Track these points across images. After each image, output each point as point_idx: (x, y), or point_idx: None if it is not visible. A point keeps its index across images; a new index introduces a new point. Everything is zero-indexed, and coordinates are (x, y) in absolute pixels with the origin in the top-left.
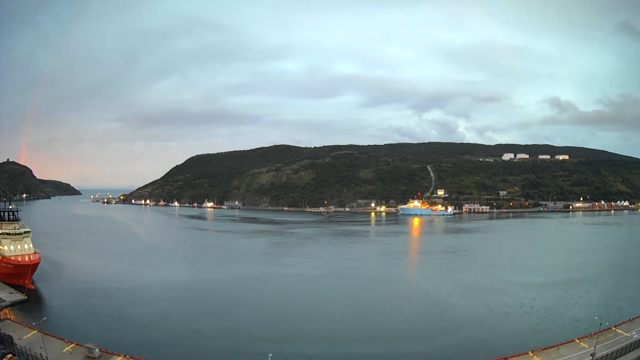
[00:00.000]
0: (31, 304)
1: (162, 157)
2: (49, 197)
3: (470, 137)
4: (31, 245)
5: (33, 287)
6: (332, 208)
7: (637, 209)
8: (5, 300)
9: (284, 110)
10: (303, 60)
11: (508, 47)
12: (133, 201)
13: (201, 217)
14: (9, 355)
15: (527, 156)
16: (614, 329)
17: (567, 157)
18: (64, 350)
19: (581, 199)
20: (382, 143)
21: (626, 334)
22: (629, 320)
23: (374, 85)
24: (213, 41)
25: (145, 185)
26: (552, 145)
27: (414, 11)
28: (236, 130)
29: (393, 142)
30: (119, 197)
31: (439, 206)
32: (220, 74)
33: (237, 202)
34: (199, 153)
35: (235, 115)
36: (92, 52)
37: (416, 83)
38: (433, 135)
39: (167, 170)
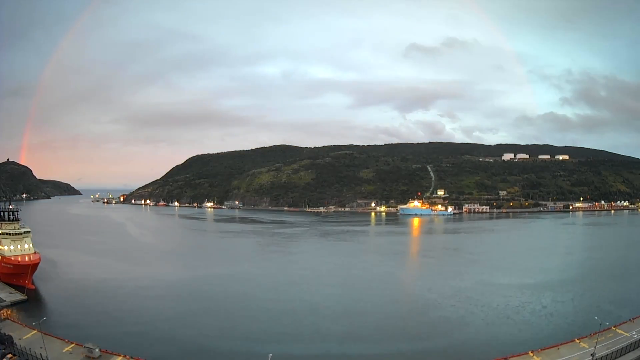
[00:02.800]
0: (31, 304)
1: (154, 157)
2: (49, 197)
3: (460, 138)
4: (31, 245)
5: (33, 287)
6: (332, 208)
7: (637, 209)
8: (5, 300)
9: (270, 112)
10: (279, 66)
11: (481, 48)
12: (133, 201)
13: (200, 218)
14: (9, 355)
15: (527, 156)
16: (614, 329)
17: (567, 157)
18: (64, 350)
19: (581, 199)
20: (372, 144)
21: (626, 334)
22: (629, 320)
23: (353, 88)
24: (192, 50)
25: (145, 185)
26: (552, 145)
27: (378, 18)
28: (227, 131)
29: (393, 142)
30: (119, 197)
31: (439, 206)
32: (203, 79)
33: (237, 202)
34: (196, 154)
35: (224, 117)
36: (82, 61)
37: (395, 85)
38: (421, 136)
39: (160, 170)
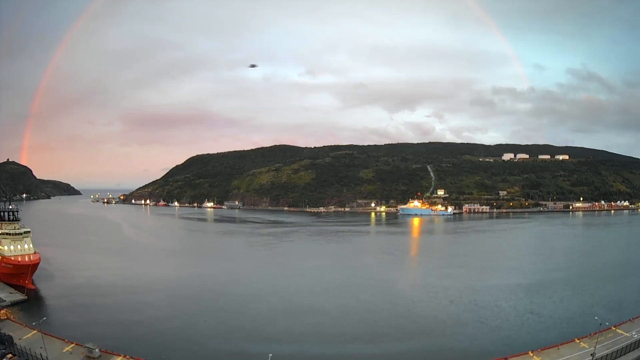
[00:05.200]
0: (31, 304)
1: (148, 158)
2: (49, 197)
3: (451, 138)
4: (31, 245)
5: (33, 287)
6: (332, 208)
7: (637, 209)
8: (5, 300)
9: (258, 114)
10: (259, 71)
11: (465, 48)
12: (133, 201)
13: (199, 218)
14: (9, 355)
15: (527, 156)
16: (614, 329)
17: (567, 157)
18: (64, 350)
19: (581, 199)
20: (363, 144)
21: (626, 334)
22: (629, 320)
23: (336, 90)
24: (177, 57)
25: (146, 185)
26: (552, 145)
27: (350, 23)
28: (219, 133)
29: (393, 142)
30: (119, 197)
31: (439, 206)
32: (190, 84)
33: (237, 202)
34: (189, 154)
35: (214, 119)
36: (74, 69)
37: (378, 87)
38: (411, 137)
39: (152, 170)
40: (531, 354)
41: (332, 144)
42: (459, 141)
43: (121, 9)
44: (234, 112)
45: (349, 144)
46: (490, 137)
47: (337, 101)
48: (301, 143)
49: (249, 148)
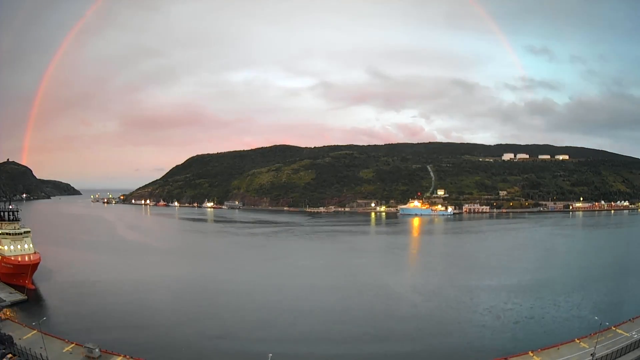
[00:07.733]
0: (31, 304)
1: (142, 159)
2: (48, 197)
3: (440, 139)
4: (31, 245)
5: (33, 287)
6: (332, 208)
7: (637, 209)
8: (5, 300)
9: (247, 117)
10: (241, 75)
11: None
12: (133, 201)
13: (200, 218)
14: (9, 355)
15: (527, 156)
16: (614, 329)
17: (567, 157)
18: (64, 350)
19: (581, 199)
20: (361, 144)
21: (626, 334)
22: (629, 320)
23: (320, 92)
24: (162, 63)
25: (146, 185)
26: (552, 145)
27: (329, 27)
28: (212, 134)
29: (393, 142)
30: (118, 197)
31: (439, 206)
32: (178, 88)
33: (237, 202)
34: (195, 154)
35: (206, 121)
36: (70, 75)
37: (363, 88)
38: (400, 137)
39: (146, 170)
40: (531, 354)
41: (332, 144)
42: (452, 141)
43: (110, 21)
44: (223, 114)
45: (347, 144)
46: (480, 137)
47: (323, 103)
48: (293, 144)
49: (242, 149)
